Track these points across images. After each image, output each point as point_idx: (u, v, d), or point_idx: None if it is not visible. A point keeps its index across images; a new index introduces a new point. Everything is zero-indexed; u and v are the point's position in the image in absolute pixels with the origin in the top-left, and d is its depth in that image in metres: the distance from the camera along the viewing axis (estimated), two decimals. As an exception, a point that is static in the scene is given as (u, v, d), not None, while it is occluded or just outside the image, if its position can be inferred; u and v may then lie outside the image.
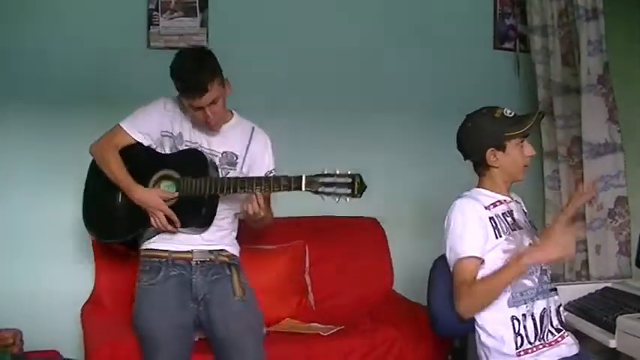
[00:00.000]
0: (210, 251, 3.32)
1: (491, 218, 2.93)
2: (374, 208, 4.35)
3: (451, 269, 2.94)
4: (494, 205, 2.98)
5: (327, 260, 4.24)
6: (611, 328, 3.03)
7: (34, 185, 4.09)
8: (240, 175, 3.31)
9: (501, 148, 2.97)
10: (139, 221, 3.28)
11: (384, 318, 3.93)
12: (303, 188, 2.98)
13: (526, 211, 3.17)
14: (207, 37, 4.29)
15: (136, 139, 3.33)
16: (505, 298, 2.87)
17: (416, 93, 4.71)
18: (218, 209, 3.30)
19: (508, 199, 3.04)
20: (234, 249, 3.44)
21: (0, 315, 3.69)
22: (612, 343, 2.98)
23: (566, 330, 2.97)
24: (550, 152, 4.53)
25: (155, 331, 3.17)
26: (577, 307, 3.39)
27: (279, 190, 3.06)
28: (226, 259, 3.37)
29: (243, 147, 3.38)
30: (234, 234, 3.48)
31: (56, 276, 4.06)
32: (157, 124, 3.33)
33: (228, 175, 3.31)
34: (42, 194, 4.08)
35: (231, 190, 3.12)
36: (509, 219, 2.97)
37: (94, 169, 3.44)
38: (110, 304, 3.80)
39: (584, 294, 3.52)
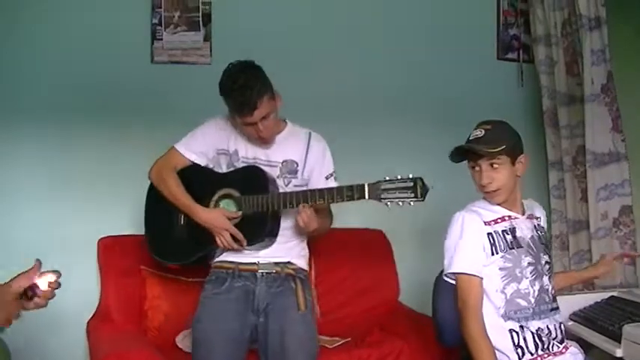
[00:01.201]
0: (277, 263, 3.30)
1: (489, 234, 2.91)
2: (379, 219, 4.35)
3: (449, 279, 2.94)
4: (496, 221, 2.95)
5: (333, 272, 4.23)
6: (617, 337, 3.02)
7: (43, 200, 4.09)
8: (302, 182, 3.33)
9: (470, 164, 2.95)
10: (204, 242, 3.28)
11: (390, 330, 3.92)
12: (367, 197, 2.98)
13: (543, 226, 3.11)
14: (211, 51, 4.30)
15: (191, 160, 3.34)
16: (499, 313, 2.88)
17: (419, 103, 4.72)
18: (282, 222, 3.30)
19: (515, 214, 2.99)
20: (302, 261, 3.42)
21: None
22: (618, 352, 2.98)
23: (571, 340, 2.97)
24: (555, 162, 4.54)
25: (211, 337, 3.18)
26: (583, 317, 3.39)
27: (342, 201, 3.06)
28: (292, 271, 3.34)
29: (302, 154, 3.35)
30: (304, 244, 3.46)
31: (62, 291, 4.06)
32: (211, 144, 3.34)
33: (290, 184, 3.31)
34: (49, 209, 4.09)
35: (294, 204, 3.12)
36: (509, 236, 2.92)
37: (152, 194, 3.45)
38: (116, 319, 3.79)
39: (589, 303, 3.51)
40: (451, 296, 2.96)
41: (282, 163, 3.31)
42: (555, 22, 4.46)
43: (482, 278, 2.89)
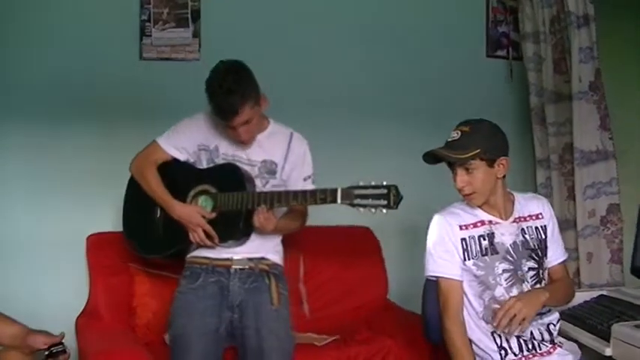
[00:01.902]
0: (250, 259, 3.30)
1: (463, 239, 2.91)
2: (368, 217, 4.34)
3: (432, 278, 2.98)
4: (475, 224, 2.94)
5: (322, 270, 4.23)
6: (606, 336, 3.03)
7: (31, 197, 4.08)
8: (280, 182, 3.33)
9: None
10: (178, 237, 3.30)
11: (379, 327, 3.92)
12: (339, 201, 3.00)
13: (545, 224, 3.04)
14: (200, 48, 4.29)
15: (172, 155, 3.35)
16: (479, 316, 2.91)
17: (409, 101, 4.71)
18: None
19: (496, 219, 2.96)
20: (276, 257, 3.41)
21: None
22: (608, 351, 2.99)
23: (563, 341, 2.99)
24: (542, 160, 4.55)
25: (187, 333, 3.19)
26: (572, 316, 3.38)
27: (315, 204, 3.09)
28: (266, 267, 3.33)
29: (282, 154, 3.35)
30: (278, 240, 3.44)
31: (51, 287, 4.05)
32: (193, 139, 3.34)
33: (268, 184, 3.31)
34: (36, 205, 4.07)
35: (268, 205, 3.12)
36: (485, 242, 2.91)
37: (132, 186, 3.47)
38: (105, 316, 3.79)
39: (579, 302, 3.50)
40: (437, 295, 2.98)
41: (261, 162, 3.31)
42: (544, 19, 4.46)
43: (461, 281, 2.91)
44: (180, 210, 3.26)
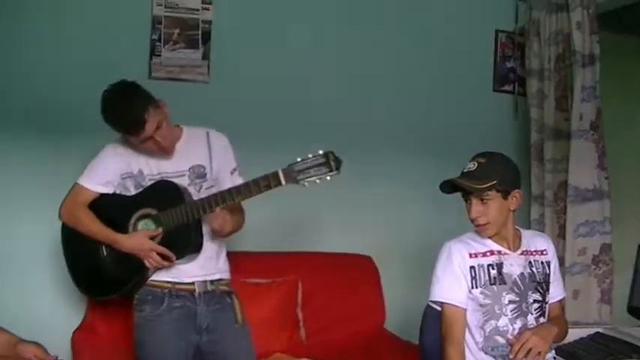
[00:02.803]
0: (211, 282, 3.29)
1: (472, 267, 2.92)
2: (368, 245, 4.37)
3: (435, 306, 2.98)
4: (485, 254, 2.95)
5: (320, 296, 4.23)
6: (601, 374, 3.04)
7: (32, 209, 4.04)
8: (212, 183, 3.29)
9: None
10: (133, 268, 3.23)
11: (374, 355, 3.93)
12: (283, 182, 3.00)
13: (549, 260, 3.06)
14: (209, 69, 4.31)
15: (98, 192, 3.28)
16: (478, 346, 2.91)
17: (412, 130, 4.74)
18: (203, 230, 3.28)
19: (505, 250, 2.97)
20: (227, 274, 3.41)
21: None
22: (603, 388, 3.00)
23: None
24: (537, 196, 4.58)
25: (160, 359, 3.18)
26: (567, 352, 3.38)
27: (260, 192, 3.06)
28: (225, 287, 3.35)
29: (206, 155, 3.32)
30: (224, 253, 3.42)
31: (47, 302, 4.05)
32: (113, 170, 3.27)
33: (202, 188, 3.27)
34: (38, 217, 4.02)
35: (213, 207, 3.09)
36: (493, 271, 2.92)
37: (68, 232, 3.37)
38: (102, 331, 3.79)
39: (574, 338, 3.51)
40: (438, 325, 2.97)
41: (190, 169, 3.27)
42: (550, 56, 4.50)
43: (466, 309, 2.92)
44: (127, 241, 3.20)
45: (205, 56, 4.32)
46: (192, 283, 3.25)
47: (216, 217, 3.11)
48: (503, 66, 5.00)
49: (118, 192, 3.29)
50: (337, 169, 2.96)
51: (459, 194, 2.95)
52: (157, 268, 3.22)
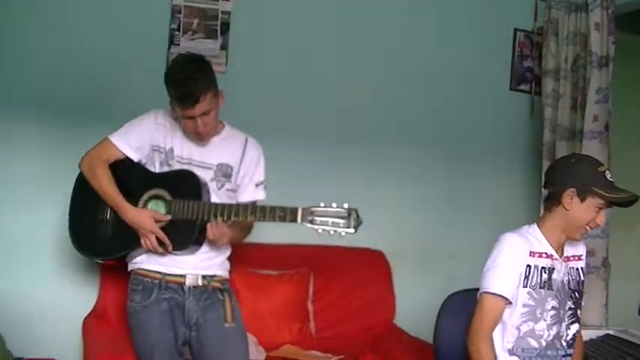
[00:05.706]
0: (204, 277, 3.24)
1: (528, 265, 2.86)
2: (381, 240, 4.37)
3: (477, 296, 2.89)
4: (541, 255, 2.89)
5: (331, 289, 4.25)
6: (611, 377, 3.04)
7: (39, 197, 4.05)
8: (234, 187, 3.28)
9: (582, 197, 2.82)
10: (128, 241, 3.20)
11: (383, 351, 3.94)
12: (299, 220, 2.94)
13: (583, 267, 3.04)
14: (227, 60, 4.32)
15: (126, 154, 3.22)
16: (505, 347, 2.87)
17: (428, 128, 4.75)
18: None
19: (557, 255, 2.92)
20: (225, 272, 3.37)
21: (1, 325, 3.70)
22: (613, 390, 3.00)
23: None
24: (547, 197, 4.56)
25: (149, 350, 3.16)
26: (579, 353, 3.38)
27: (273, 221, 3.01)
28: (218, 284, 3.29)
29: (237, 158, 3.29)
30: (228, 253, 3.38)
31: (60, 288, 4.06)
32: (147, 139, 3.22)
33: (223, 187, 3.25)
34: (46, 206, 4.02)
35: (224, 217, 3.06)
36: (544, 275, 2.87)
37: (81, 183, 3.33)
38: (113, 317, 3.79)
39: (585, 339, 3.47)
40: (455, 324, 2.97)
41: (217, 166, 3.25)
42: (567, 56, 4.50)
43: (510, 302, 2.84)
44: (133, 214, 3.14)
45: (224, 46, 4.33)
46: (183, 276, 3.21)
47: (215, 227, 3.09)
48: (520, 65, 4.99)
49: (143, 162, 3.26)
50: (355, 228, 2.90)
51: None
52: (149, 251, 3.19)
